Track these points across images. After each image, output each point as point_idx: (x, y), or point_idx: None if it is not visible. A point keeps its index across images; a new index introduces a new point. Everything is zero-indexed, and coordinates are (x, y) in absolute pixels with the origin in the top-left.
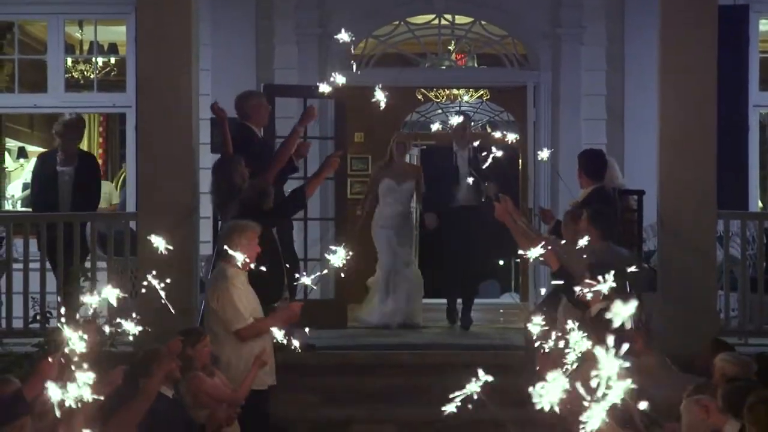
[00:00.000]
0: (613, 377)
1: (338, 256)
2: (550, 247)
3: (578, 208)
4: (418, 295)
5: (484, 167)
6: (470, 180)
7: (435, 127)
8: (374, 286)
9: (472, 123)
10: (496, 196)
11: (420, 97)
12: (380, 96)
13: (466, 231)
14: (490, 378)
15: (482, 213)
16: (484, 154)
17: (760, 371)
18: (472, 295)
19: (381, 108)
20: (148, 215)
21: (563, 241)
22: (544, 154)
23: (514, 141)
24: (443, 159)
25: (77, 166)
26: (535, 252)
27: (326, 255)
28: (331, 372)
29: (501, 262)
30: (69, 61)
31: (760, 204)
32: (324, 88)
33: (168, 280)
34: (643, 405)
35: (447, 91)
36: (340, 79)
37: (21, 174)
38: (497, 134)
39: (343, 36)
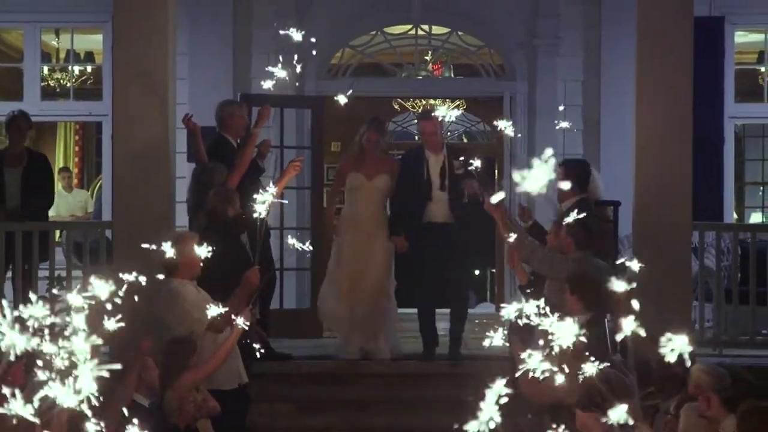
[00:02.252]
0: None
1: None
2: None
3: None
4: (392, 325)
5: (458, 171)
6: (443, 193)
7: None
8: (331, 310)
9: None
10: (481, 193)
11: (397, 107)
12: (342, 100)
13: (440, 251)
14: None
15: (457, 230)
16: (462, 158)
17: (734, 384)
18: (461, 311)
19: (341, 106)
20: (124, 224)
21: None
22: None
23: (505, 130)
24: (412, 170)
25: (25, 166)
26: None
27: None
28: (307, 381)
29: (476, 272)
30: (45, 69)
31: (735, 216)
32: (341, 98)
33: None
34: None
35: (424, 101)
36: (342, 99)
37: None
38: (497, 123)
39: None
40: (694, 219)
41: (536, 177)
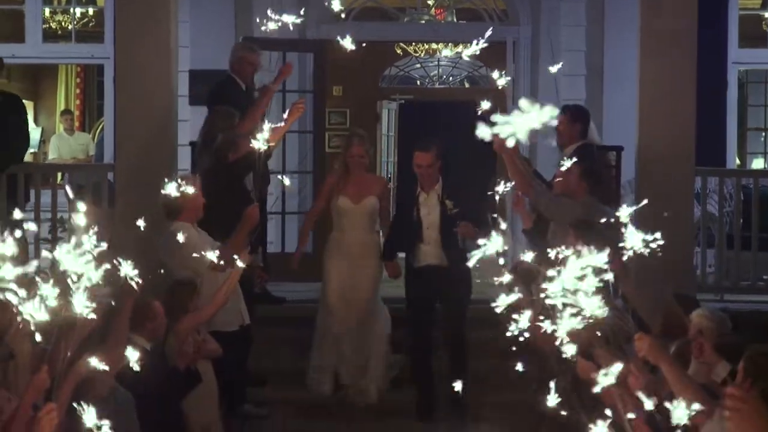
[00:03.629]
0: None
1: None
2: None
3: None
4: (383, 357)
5: (452, 212)
6: (436, 234)
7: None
8: (321, 347)
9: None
10: (460, 216)
11: (399, 51)
12: (348, 44)
13: (433, 296)
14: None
15: (452, 273)
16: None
17: (735, 329)
18: (462, 354)
19: (347, 51)
20: (126, 167)
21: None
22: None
23: (500, 82)
24: (403, 206)
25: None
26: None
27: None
28: (306, 324)
29: None
30: (47, 11)
31: (738, 161)
32: (347, 42)
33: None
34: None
35: (426, 46)
36: (348, 43)
37: None
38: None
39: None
40: (696, 165)
41: (532, 118)
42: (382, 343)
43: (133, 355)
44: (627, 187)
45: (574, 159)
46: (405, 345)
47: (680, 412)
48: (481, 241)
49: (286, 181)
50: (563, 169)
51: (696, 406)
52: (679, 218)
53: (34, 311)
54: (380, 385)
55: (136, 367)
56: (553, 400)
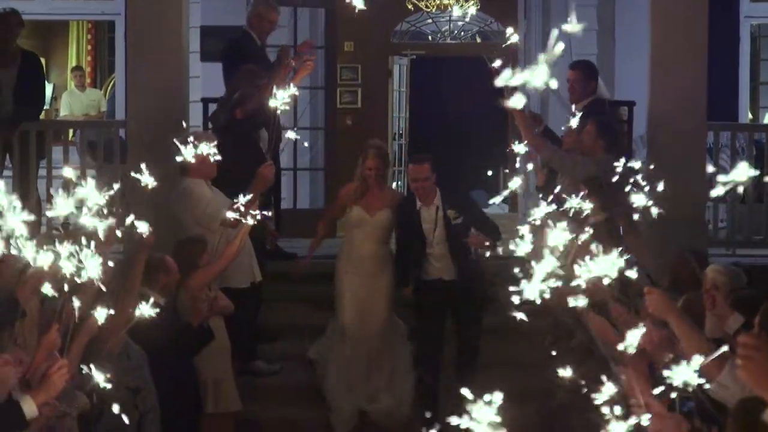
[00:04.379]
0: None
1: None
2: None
3: (582, 119)
4: (407, 376)
5: (456, 221)
6: (443, 247)
7: None
8: (331, 365)
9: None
10: (465, 226)
11: (410, 6)
12: (359, 3)
13: (443, 313)
14: None
15: (465, 287)
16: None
17: (749, 283)
18: (472, 370)
19: (357, 10)
20: (137, 123)
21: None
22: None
23: (510, 39)
24: (406, 223)
25: (19, 66)
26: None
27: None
28: (318, 280)
29: (489, 172)
30: None
31: (750, 116)
32: (358, 2)
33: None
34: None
35: (437, 1)
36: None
37: None
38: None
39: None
40: (708, 119)
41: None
42: (405, 361)
43: (146, 309)
44: (639, 142)
45: (582, 115)
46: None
47: (683, 371)
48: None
49: (291, 135)
50: (573, 123)
51: (698, 359)
52: (691, 173)
53: (46, 267)
54: (407, 401)
55: (152, 314)
56: (567, 366)
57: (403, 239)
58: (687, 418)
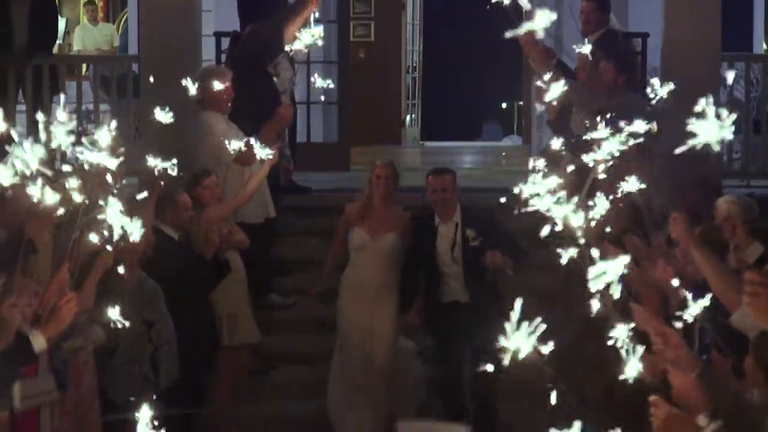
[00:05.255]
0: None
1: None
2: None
3: (596, 51)
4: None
5: (473, 243)
6: (457, 267)
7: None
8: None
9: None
10: (505, 266)
11: None
12: None
13: (459, 337)
14: None
15: (481, 312)
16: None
17: (762, 213)
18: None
19: None
20: (150, 58)
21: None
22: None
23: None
24: (422, 243)
25: (31, 4)
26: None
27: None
28: (331, 214)
29: (503, 105)
30: None
31: (765, 46)
32: None
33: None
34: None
35: None
36: None
37: None
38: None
39: None
40: (722, 50)
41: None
42: (412, 395)
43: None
44: (653, 74)
45: (595, 47)
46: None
47: (698, 304)
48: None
49: (320, 82)
50: (583, 50)
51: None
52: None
53: (56, 202)
54: None
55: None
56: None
57: (412, 260)
58: (705, 350)
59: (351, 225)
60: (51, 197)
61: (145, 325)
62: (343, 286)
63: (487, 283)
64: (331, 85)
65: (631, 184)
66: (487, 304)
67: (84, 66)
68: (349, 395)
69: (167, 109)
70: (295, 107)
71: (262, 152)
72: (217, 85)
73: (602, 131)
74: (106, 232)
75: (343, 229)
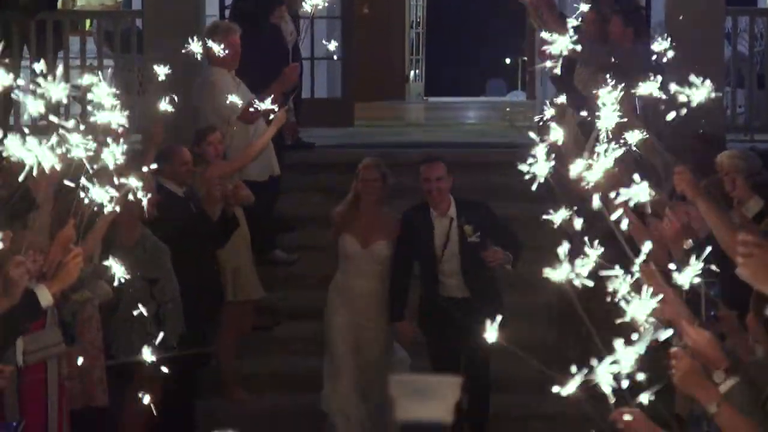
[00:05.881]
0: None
1: None
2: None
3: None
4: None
5: (472, 239)
6: (454, 264)
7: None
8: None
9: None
10: (506, 261)
11: None
12: None
13: (460, 332)
14: None
15: (480, 309)
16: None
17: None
18: (484, 401)
19: None
20: (154, 13)
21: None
22: None
23: None
24: (415, 238)
25: None
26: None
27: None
28: (335, 170)
29: (507, 61)
30: None
31: None
32: None
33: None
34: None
35: None
36: None
37: None
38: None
39: None
40: (727, 4)
41: None
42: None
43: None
44: (658, 29)
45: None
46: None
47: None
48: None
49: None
50: (584, 8)
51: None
52: (709, 59)
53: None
54: None
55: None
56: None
57: (401, 261)
58: (713, 306)
59: (339, 232)
60: (49, 156)
61: (147, 283)
62: (331, 296)
63: (487, 279)
64: (333, 46)
65: (634, 139)
66: (486, 301)
67: (88, 21)
68: (344, 403)
69: (168, 66)
70: (301, 65)
71: (266, 108)
72: (224, 41)
73: (607, 88)
74: (109, 188)
75: (336, 237)
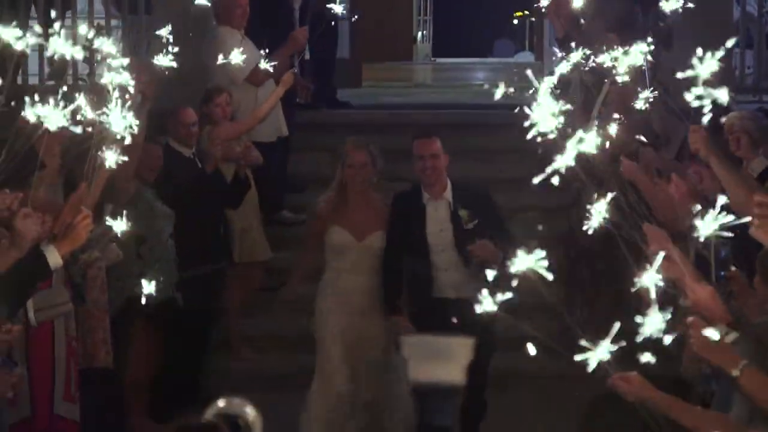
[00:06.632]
0: None
1: None
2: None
3: None
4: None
5: (468, 226)
6: (453, 256)
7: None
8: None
9: None
10: (496, 258)
11: None
12: None
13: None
14: None
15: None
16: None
17: None
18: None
19: None
20: None
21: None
22: None
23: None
24: (405, 224)
25: None
26: None
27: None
28: (343, 130)
29: (515, 21)
30: None
31: None
32: None
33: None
34: None
35: None
36: None
37: None
38: None
39: None
40: None
41: None
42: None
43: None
44: None
45: None
46: None
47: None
48: None
49: (337, 8)
50: None
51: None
52: (717, 19)
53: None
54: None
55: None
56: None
57: (392, 249)
58: (723, 264)
59: (327, 225)
60: (56, 116)
61: (132, 240)
62: (321, 295)
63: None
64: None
65: (641, 100)
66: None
67: None
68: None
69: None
70: (316, 26)
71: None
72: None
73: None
74: (114, 147)
75: (317, 232)
